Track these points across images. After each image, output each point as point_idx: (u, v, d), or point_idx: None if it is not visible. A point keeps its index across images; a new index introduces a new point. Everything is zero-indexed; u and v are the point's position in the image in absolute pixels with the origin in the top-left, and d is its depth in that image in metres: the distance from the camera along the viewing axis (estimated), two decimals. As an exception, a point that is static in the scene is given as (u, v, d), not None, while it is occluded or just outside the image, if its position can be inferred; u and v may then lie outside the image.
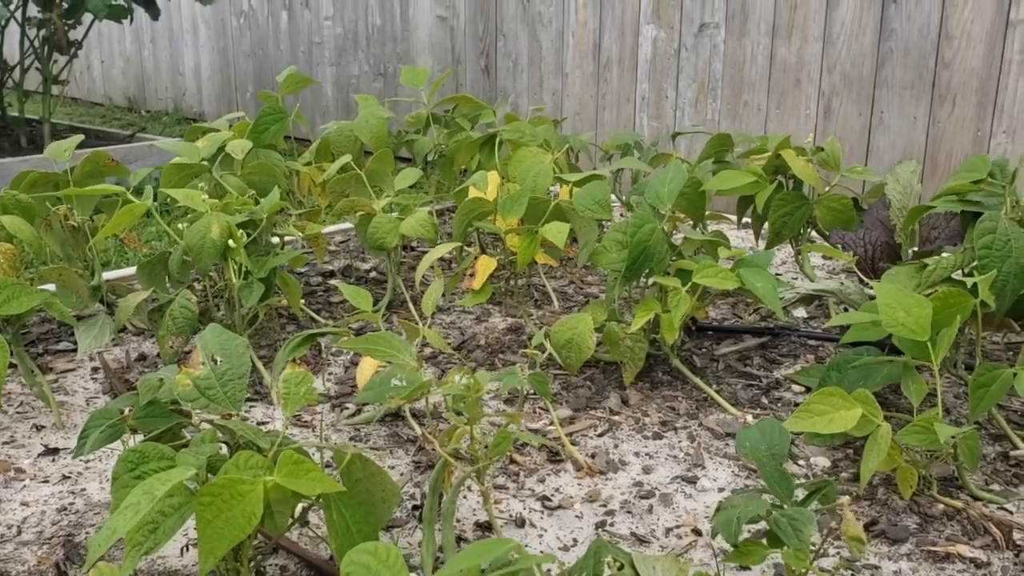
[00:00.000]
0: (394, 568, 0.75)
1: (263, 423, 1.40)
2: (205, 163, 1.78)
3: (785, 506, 0.90)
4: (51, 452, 1.34)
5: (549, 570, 1.01)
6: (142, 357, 1.63)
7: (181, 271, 1.52)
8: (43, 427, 1.40)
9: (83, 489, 1.25)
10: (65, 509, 1.20)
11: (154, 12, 3.98)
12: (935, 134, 3.04)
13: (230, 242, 1.43)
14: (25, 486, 1.25)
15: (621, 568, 0.79)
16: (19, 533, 1.15)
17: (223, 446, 1.01)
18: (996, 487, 1.22)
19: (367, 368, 1.27)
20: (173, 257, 1.50)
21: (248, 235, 1.50)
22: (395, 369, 1.06)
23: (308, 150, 2.07)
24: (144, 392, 1.13)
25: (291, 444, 0.99)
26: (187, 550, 1.09)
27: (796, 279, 2.01)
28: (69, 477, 1.28)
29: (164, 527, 0.89)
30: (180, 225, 1.47)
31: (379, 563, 0.77)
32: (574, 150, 2.34)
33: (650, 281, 1.45)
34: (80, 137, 1.79)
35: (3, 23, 3.33)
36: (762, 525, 0.96)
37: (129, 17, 3.95)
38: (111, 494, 0.94)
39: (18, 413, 1.45)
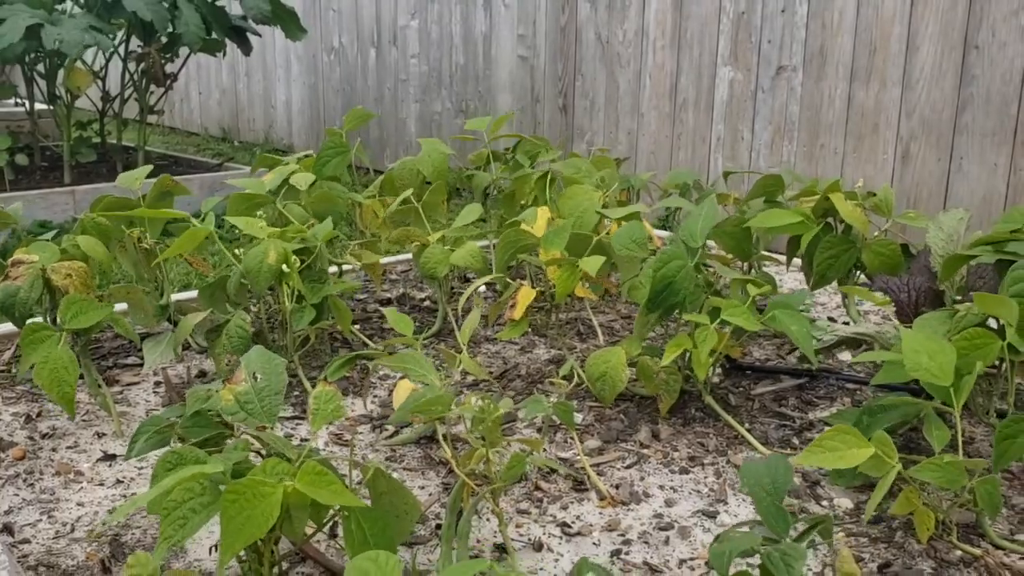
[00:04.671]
0: (390, 575, 0.80)
1: (305, 440, 1.47)
2: (269, 194, 1.87)
3: (781, 541, 0.92)
4: (109, 458, 1.43)
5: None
6: (202, 373, 1.73)
7: (238, 294, 1.60)
8: (104, 435, 1.50)
9: (133, 493, 1.33)
10: (115, 511, 1.29)
11: (246, 48, 4.18)
12: (1016, 182, 2.98)
13: (284, 267, 1.51)
14: (82, 488, 1.34)
15: (603, 587, 0.82)
16: (72, 531, 1.24)
17: (254, 454, 1.08)
18: (1022, 537, 1.21)
19: (403, 390, 1.33)
20: (231, 280, 1.59)
21: (302, 261, 1.58)
22: (427, 390, 1.12)
23: (373, 183, 2.15)
24: (192, 403, 1.21)
25: (317, 456, 1.05)
26: (214, 550, 1.16)
27: (846, 323, 2.00)
28: (122, 481, 1.36)
29: (193, 522, 0.96)
30: (238, 250, 1.56)
31: (378, 569, 0.81)
32: (635, 188, 2.38)
33: (683, 318, 1.48)
34: (149, 168, 1.91)
35: (107, 56, 3.55)
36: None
37: (223, 51, 4.16)
38: (149, 489, 1.01)
39: (83, 421, 1.55)
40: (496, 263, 1.67)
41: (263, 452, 1.12)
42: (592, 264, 1.47)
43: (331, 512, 1.06)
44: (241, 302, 1.62)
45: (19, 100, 5.01)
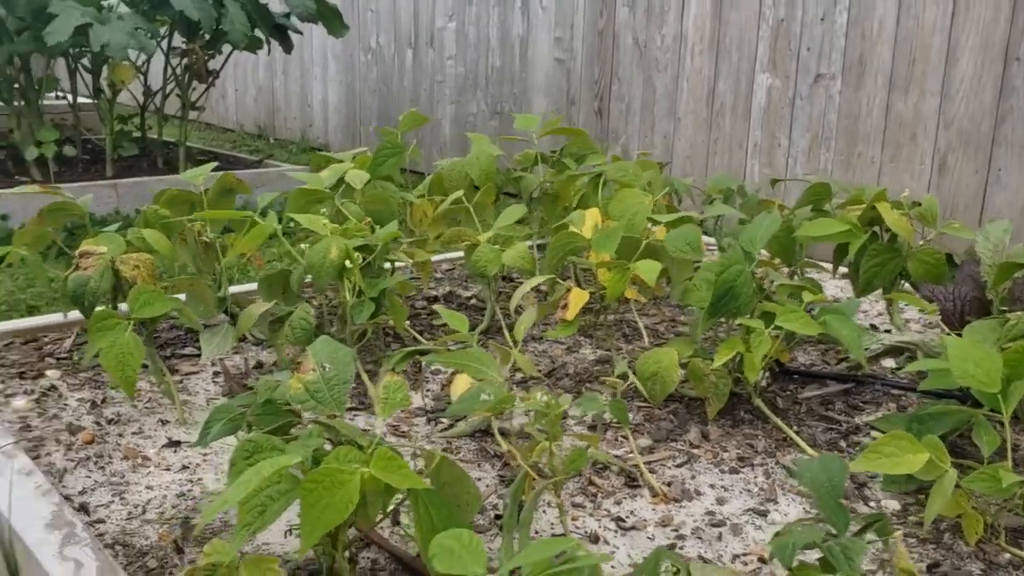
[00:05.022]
0: (475, 552, 0.84)
1: (365, 430, 1.51)
2: (328, 191, 1.92)
3: (840, 536, 0.95)
4: (173, 444, 1.48)
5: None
6: (259, 365, 1.77)
7: (299, 287, 1.65)
8: (167, 422, 1.55)
9: (200, 479, 1.38)
10: (183, 495, 1.33)
11: (287, 46, 4.23)
12: (1054, 194, 2.99)
13: (347, 263, 1.55)
14: (150, 472, 1.39)
15: (677, 573, 0.86)
16: (144, 512, 1.29)
17: (327, 442, 1.12)
18: (1071, 544, 1.23)
19: (461, 384, 1.37)
20: (294, 274, 1.64)
21: (363, 259, 1.62)
22: (484, 385, 1.15)
23: (422, 183, 2.20)
24: (262, 392, 1.26)
25: (386, 444, 1.09)
26: (289, 534, 1.21)
27: (889, 331, 2.02)
28: (188, 467, 1.41)
29: (271, 509, 1.00)
30: (303, 246, 1.60)
31: (462, 547, 0.85)
32: (678, 193, 2.41)
33: (736, 322, 1.51)
34: (213, 164, 1.97)
35: (148, 52, 3.61)
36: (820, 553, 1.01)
37: (267, 48, 4.22)
38: (228, 478, 1.05)
39: (146, 408, 1.60)
40: (547, 264, 1.71)
41: (332, 439, 1.17)
42: (647, 269, 1.50)
43: (396, 499, 1.10)
44: (299, 295, 1.67)
45: (59, 93, 5.10)
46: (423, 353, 1.44)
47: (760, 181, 3.82)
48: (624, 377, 1.37)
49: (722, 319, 1.53)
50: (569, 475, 1.13)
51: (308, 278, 1.63)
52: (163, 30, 4.16)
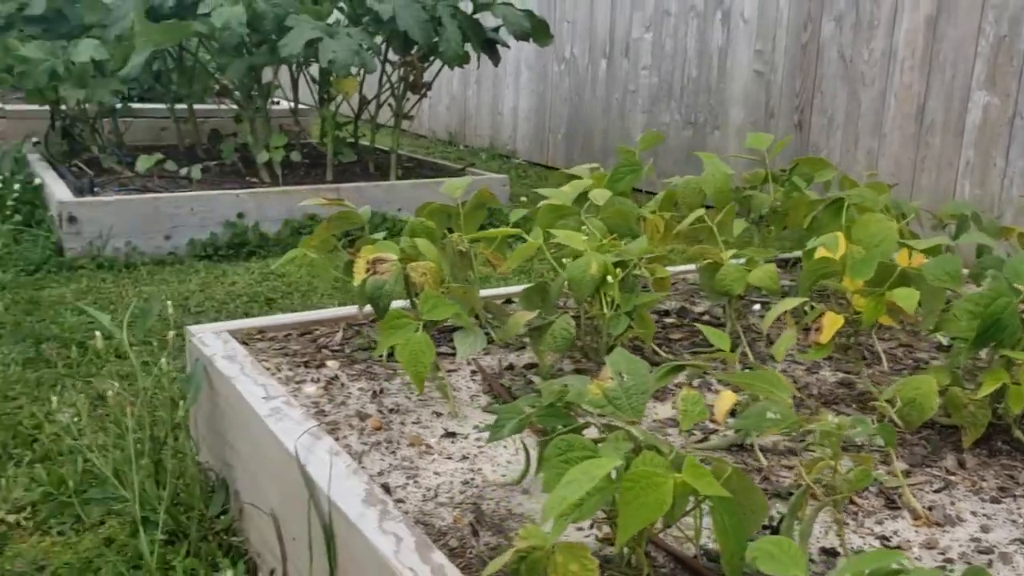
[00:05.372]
0: (794, 557, 0.92)
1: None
2: (573, 206, 2.04)
3: None
4: (450, 435, 1.62)
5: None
6: (510, 367, 1.91)
7: (557, 298, 1.77)
8: (440, 414, 1.70)
9: (479, 468, 1.51)
10: (467, 483, 1.47)
11: (496, 60, 4.41)
12: None
13: (608, 278, 1.66)
14: (434, 459, 1.54)
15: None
16: (436, 495, 1.43)
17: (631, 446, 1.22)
18: None
19: (726, 401, 1.45)
20: (553, 286, 1.76)
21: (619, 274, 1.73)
22: (770, 404, 1.23)
23: (653, 199, 2.29)
24: (547, 395, 1.37)
25: (685, 453, 1.18)
26: (589, 527, 1.32)
27: None
28: (467, 457, 1.55)
29: (588, 504, 1.11)
30: (564, 261, 1.72)
31: (781, 552, 0.94)
32: (905, 216, 2.41)
33: (999, 353, 1.52)
34: (469, 179, 2.12)
35: (370, 70, 3.85)
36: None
37: (477, 63, 4.42)
38: (542, 472, 1.17)
39: (420, 400, 1.76)
40: (801, 287, 1.77)
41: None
42: (905, 297, 1.54)
43: (688, 504, 1.19)
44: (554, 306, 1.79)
45: (274, 100, 5.48)
46: (680, 369, 1.52)
47: (971, 203, 3.71)
48: (892, 402, 1.41)
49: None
50: (850, 493, 1.19)
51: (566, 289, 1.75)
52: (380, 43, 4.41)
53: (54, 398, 2.00)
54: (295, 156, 4.36)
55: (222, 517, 1.83)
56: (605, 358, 1.28)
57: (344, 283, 1.92)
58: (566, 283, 1.71)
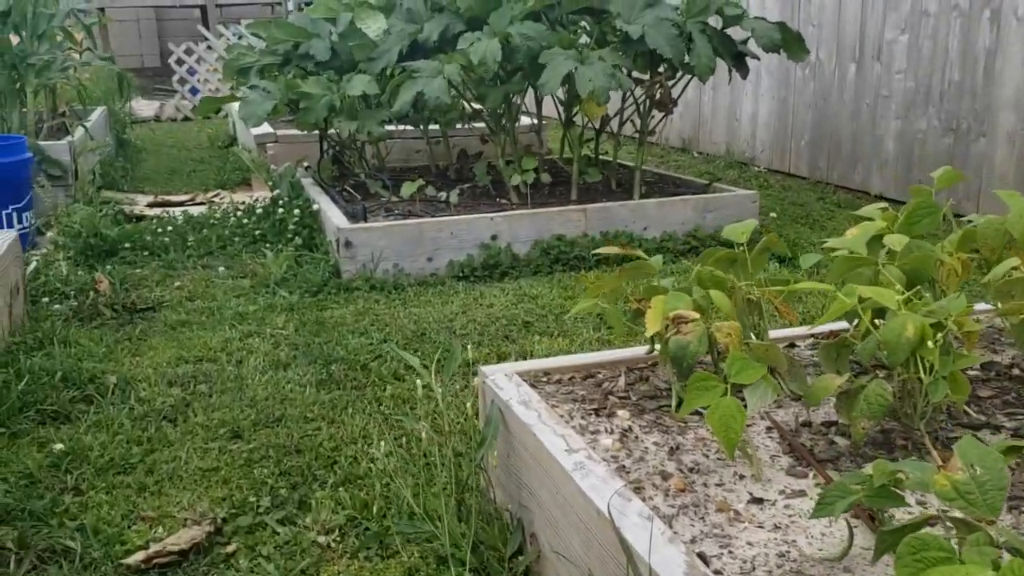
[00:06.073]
0: None
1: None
2: (870, 256, 1.96)
3: None
4: (756, 501, 1.61)
5: None
6: (807, 424, 1.86)
7: (868, 361, 1.71)
8: (743, 476, 1.69)
9: (793, 540, 1.49)
10: (783, 555, 1.45)
11: (744, 71, 4.32)
12: None
13: (929, 343, 1.59)
14: (745, 528, 1.53)
15: None
16: (753, 569, 1.42)
17: (999, 550, 1.17)
18: None
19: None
20: (864, 346, 1.71)
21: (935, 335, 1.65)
22: None
23: (949, 239, 2.16)
24: (878, 476, 1.33)
25: (1043, 557, 1.11)
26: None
27: None
28: (779, 527, 1.53)
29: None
30: (877, 321, 1.66)
31: None
32: None
33: None
34: (753, 223, 2.08)
35: (626, 90, 3.86)
36: None
37: (729, 77, 4.34)
38: (895, 569, 1.14)
39: (718, 459, 1.75)
40: None
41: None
42: None
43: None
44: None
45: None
46: (1018, 449, 1.43)
47: None
48: None
49: None
50: None
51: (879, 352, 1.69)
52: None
53: (382, 443, 2.14)
54: (545, 178, 4.46)
55: (519, 558, 1.91)
56: (955, 447, 1.22)
57: (630, 329, 1.95)
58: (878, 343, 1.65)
